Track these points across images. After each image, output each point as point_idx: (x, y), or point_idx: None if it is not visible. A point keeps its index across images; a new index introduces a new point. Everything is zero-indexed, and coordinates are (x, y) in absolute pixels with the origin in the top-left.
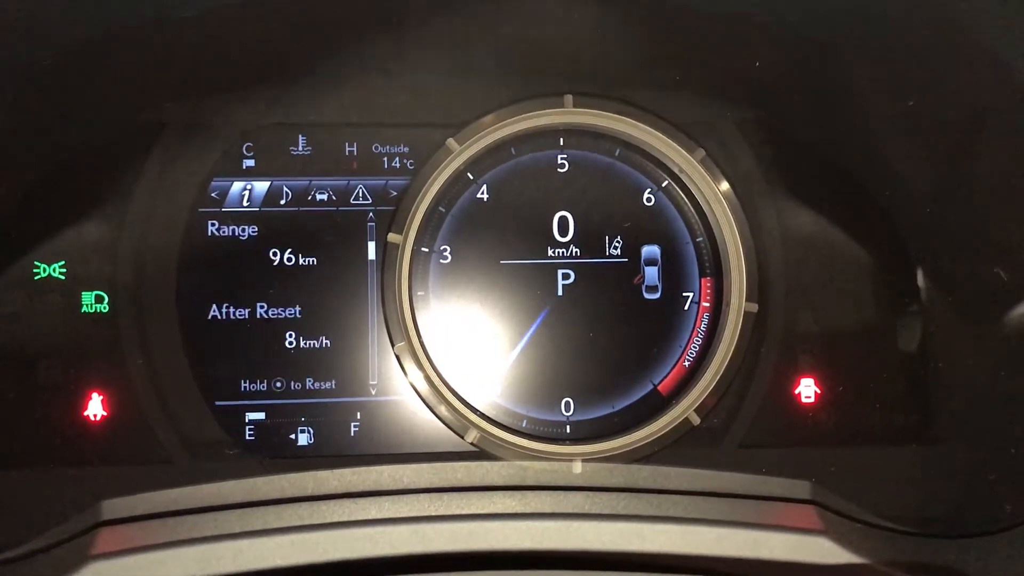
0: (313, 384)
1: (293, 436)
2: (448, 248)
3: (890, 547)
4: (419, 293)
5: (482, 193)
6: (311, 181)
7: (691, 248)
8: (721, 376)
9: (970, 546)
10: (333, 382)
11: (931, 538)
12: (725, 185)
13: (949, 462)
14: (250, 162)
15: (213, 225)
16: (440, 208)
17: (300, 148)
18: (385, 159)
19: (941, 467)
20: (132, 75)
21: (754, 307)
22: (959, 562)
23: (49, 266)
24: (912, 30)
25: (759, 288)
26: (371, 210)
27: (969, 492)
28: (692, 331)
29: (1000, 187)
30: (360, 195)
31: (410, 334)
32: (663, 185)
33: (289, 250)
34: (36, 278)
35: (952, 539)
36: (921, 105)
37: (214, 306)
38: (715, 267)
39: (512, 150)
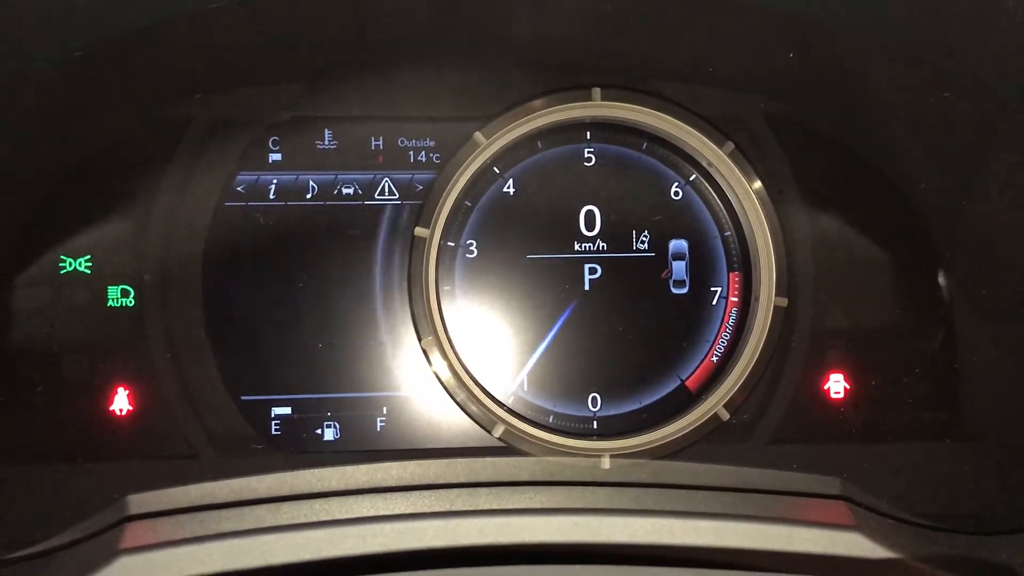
0: (339, 379)
1: (319, 431)
2: (474, 242)
3: (922, 543)
4: (445, 287)
5: (508, 187)
6: (337, 175)
7: (719, 242)
8: (750, 372)
9: (1002, 542)
10: (359, 377)
11: (963, 534)
12: (756, 181)
13: (980, 458)
14: (276, 156)
15: (239, 219)
16: (466, 202)
17: (326, 142)
18: (411, 153)
19: (972, 463)
20: (159, 69)
21: (784, 302)
22: (991, 558)
23: (75, 260)
24: (941, 23)
25: (788, 283)
26: (397, 204)
27: (1001, 488)
28: (720, 326)
29: None
30: (386, 189)
31: (436, 328)
32: (691, 179)
33: (315, 244)
34: (62, 272)
35: (984, 535)
36: (948, 100)
37: (240, 300)
38: (743, 261)
39: (539, 144)
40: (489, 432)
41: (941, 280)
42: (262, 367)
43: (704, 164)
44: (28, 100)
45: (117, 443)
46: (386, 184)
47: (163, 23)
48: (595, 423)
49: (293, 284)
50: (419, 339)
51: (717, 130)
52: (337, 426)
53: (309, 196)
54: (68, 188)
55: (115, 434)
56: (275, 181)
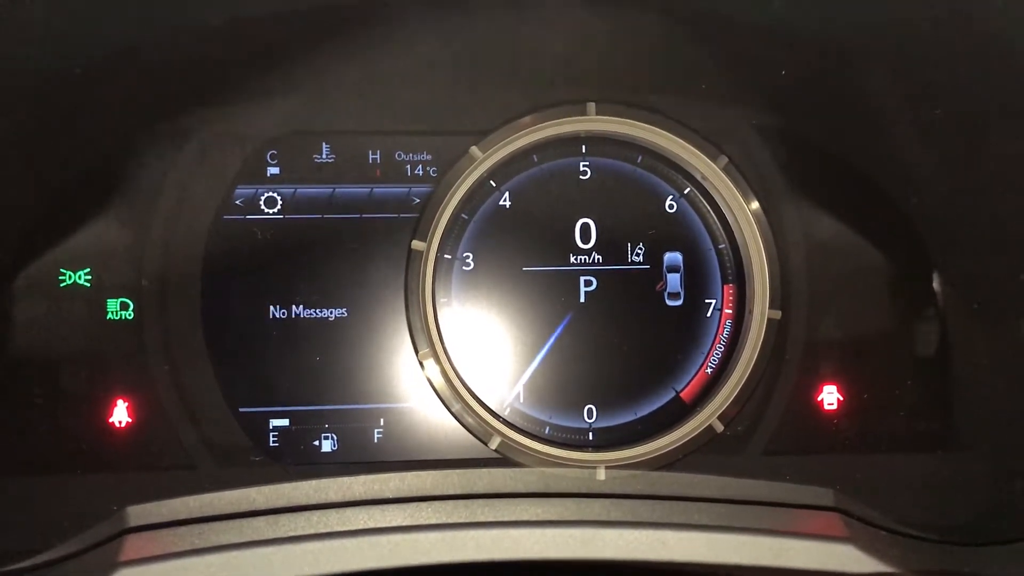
0: (337, 390)
1: (317, 443)
2: (471, 255)
3: (915, 555)
4: (442, 300)
5: (504, 200)
6: (334, 189)
7: (713, 255)
8: (744, 383)
9: (995, 554)
10: (357, 388)
11: (956, 546)
12: (753, 200)
13: (974, 469)
14: (274, 170)
15: (237, 232)
16: (463, 215)
17: (324, 156)
18: (408, 167)
19: (965, 474)
20: (158, 83)
21: (777, 314)
22: (985, 570)
23: (74, 273)
24: (933, 35)
25: (782, 295)
26: (394, 217)
27: (994, 499)
28: (715, 338)
29: (1019, 191)
30: (383, 203)
31: (433, 341)
32: (685, 192)
33: (312, 258)
34: (62, 285)
35: (978, 547)
36: (940, 112)
37: (239, 313)
38: (738, 274)
39: (534, 157)
40: (485, 444)
41: (935, 291)
42: (260, 379)
43: (698, 177)
44: (29, 114)
45: (116, 455)
46: (383, 198)
47: (163, 38)
48: (591, 434)
49: (291, 297)
50: (416, 351)
51: (711, 144)
52: (335, 437)
53: (307, 210)
54: (68, 201)
55: (114, 446)
56: (273, 194)
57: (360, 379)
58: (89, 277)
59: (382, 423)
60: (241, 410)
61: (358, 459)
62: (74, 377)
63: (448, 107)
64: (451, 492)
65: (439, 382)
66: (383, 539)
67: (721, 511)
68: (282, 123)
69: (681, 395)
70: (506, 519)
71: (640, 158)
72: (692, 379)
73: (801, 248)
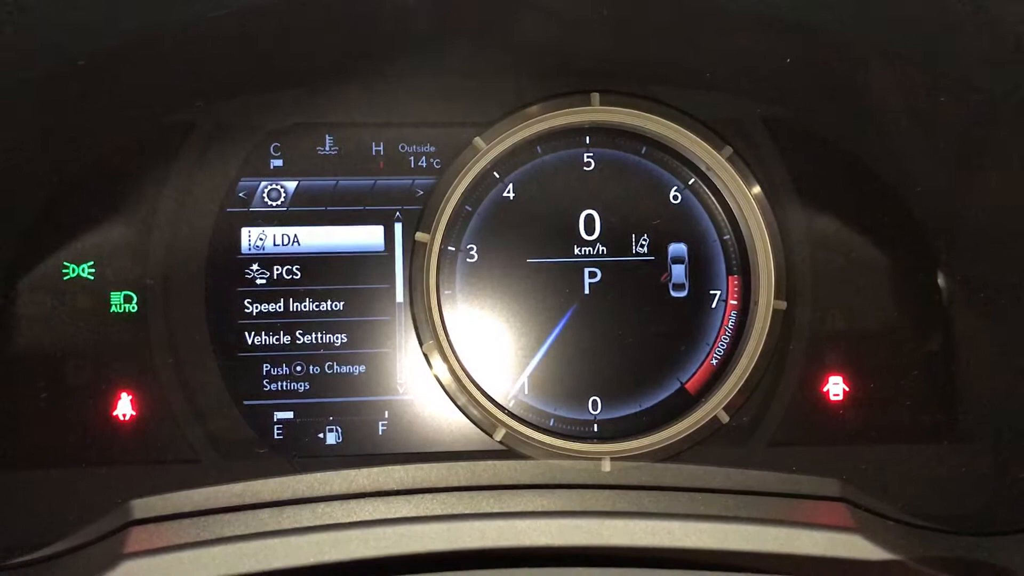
0: (341, 383)
1: (321, 435)
2: (475, 247)
3: (921, 544)
4: (446, 292)
5: (508, 192)
6: (338, 181)
7: (718, 246)
8: (749, 374)
9: (1001, 543)
10: (361, 381)
11: (962, 535)
12: (755, 185)
13: (979, 459)
14: (278, 162)
15: (241, 225)
16: (466, 207)
17: (327, 148)
18: (412, 158)
19: (971, 464)
20: (161, 76)
21: (782, 305)
22: (990, 559)
23: (78, 267)
24: (938, 27)
25: (787, 286)
26: (398, 210)
27: (999, 489)
28: (720, 329)
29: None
30: (387, 195)
31: (437, 333)
32: (690, 183)
33: (316, 250)
34: (65, 279)
35: (983, 536)
36: (944, 103)
37: (242, 305)
38: (742, 265)
39: (538, 149)
40: (490, 435)
41: (939, 282)
42: (264, 372)
43: (703, 168)
44: (32, 107)
45: (120, 448)
46: (387, 189)
47: (165, 30)
48: (595, 426)
49: (293, 289)
50: (420, 343)
51: (716, 134)
52: (339, 430)
53: (310, 202)
54: (71, 194)
55: (118, 439)
56: (276, 187)
57: (364, 371)
58: (93, 270)
59: (386, 415)
60: (245, 403)
61: (362, 451)
62: (78, 370)
63: (451, 98)
64: (456, 484)
65: (444, 374)
66: (388, 530)
67: (727, 502)
68: (285, 115)
69: (686, 386)
70: (511, 510)
71: (644, 149)
72: (697, 370)
73: (806, 239)
